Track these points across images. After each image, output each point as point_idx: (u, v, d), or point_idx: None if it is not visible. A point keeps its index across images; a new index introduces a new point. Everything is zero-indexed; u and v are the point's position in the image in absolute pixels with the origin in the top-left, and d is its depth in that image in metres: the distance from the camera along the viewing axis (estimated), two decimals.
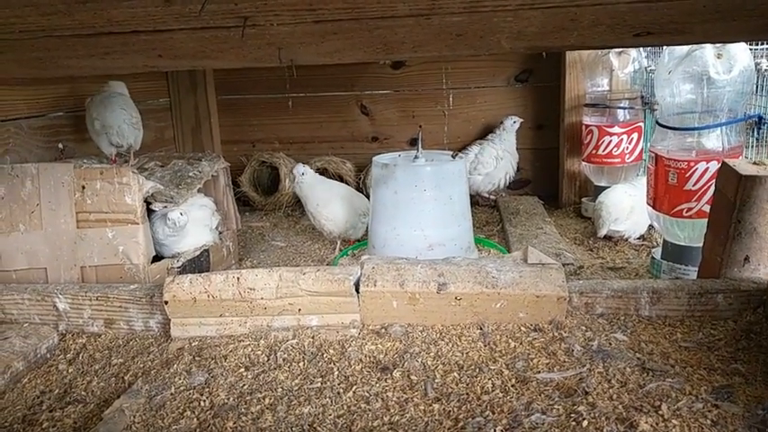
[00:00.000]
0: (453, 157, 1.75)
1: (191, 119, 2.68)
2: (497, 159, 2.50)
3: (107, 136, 1.74)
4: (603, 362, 1.08)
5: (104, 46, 1.04)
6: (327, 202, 2.00)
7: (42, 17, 0.90)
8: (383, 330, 1.26)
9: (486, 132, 2.72)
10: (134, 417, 1.04)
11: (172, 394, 1.10)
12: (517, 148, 2.60)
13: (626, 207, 1.98)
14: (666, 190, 1.53)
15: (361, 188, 2.65)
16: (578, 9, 0.90)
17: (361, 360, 1.17)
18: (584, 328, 1.22)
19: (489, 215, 2.46)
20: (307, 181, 2.03)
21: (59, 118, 1.90)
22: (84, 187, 1.48)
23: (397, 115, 2.87)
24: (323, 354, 1.20)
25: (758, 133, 1.50)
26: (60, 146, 1.87)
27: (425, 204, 1.63)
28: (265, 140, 2.94)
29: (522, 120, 2.58)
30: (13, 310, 1.42)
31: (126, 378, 1.21)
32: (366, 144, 2.90)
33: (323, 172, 2.74)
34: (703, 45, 1.48)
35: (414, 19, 0.93)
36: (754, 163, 1.29)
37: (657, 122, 1.60)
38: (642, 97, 2.28)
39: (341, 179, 2.71)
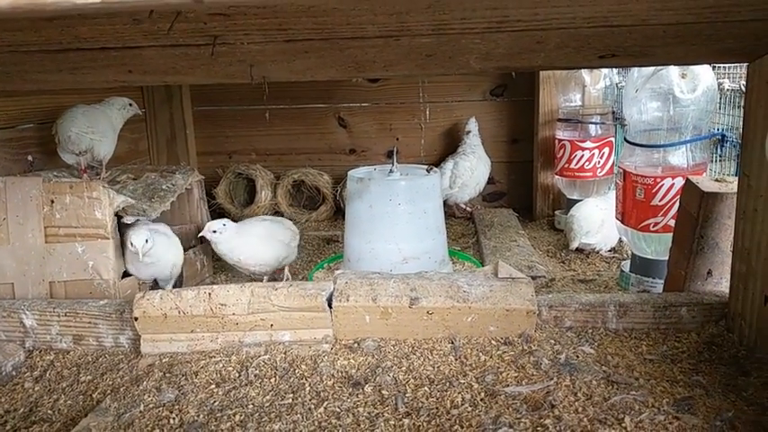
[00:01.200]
0: (428, 171, 1.76)
1: (166, 130, 2.67)
2: (472, 170, 2.52)
3: (62, 144, 1.73)
4: (570, 375, 1.09)
5: (72, 61, 1.04)
6: (246, 249, 1.76)
7: (8, 33, 0.90)
8: (356, 345, 1.26)
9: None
10: None
11: (141, 412, 1.09)
12: (488, 154, 2.63)
13: (597, 220, 2.02)
14: (634, 205, 1.57)
15: (339, 200, 2.66)
16: (544, 33, 0.93)
17: (333, 375, 1.17)
18: (552, 341, 1.24)
19: (465, 227, 2.49)
20: (224, 239, 1.72)
21: (28, 130, 1.87)
22: (53, 201, 1.46)
23: (374, 128, 2.89)
24: (295, 369, 1.20)
25: (721, 150, 1.55)
26: (30, 158, 1.85)
27: (400, 218, 1.64)
28: (242, 152, 2.93)
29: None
30: None
31: (94, 396, 1.20)
32: (344, 156, 2.91)
33: (300, 184, 2.75)
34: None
35: (383, 40, 0.95)
36: (716, 180, 1.33)
37: (625, 139, 1.64)
38: (613, 113, 2.33)
39: (318, 191, 2.71)
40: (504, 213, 2.54)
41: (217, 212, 2.66)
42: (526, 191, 2.75)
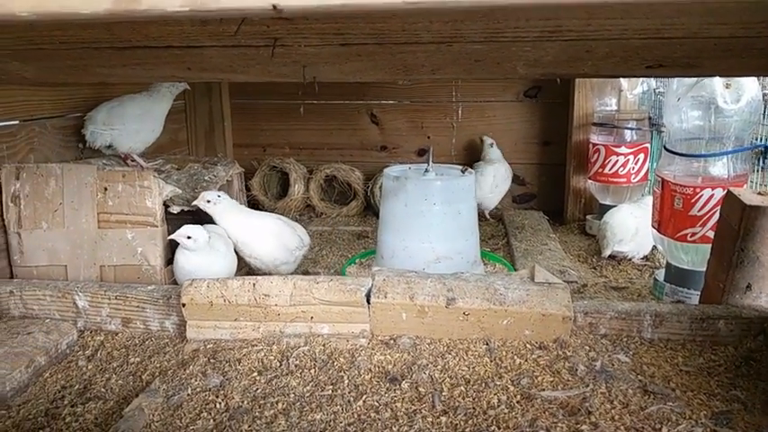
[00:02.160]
0: (463, 171, 1.79)
1: (204, 122, 2.73)
2: (494, 183, 2.55)
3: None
4: (606, 382, 1.11)
5: (138, 57, 1.09)
6: (243, 233, 1.67)
7: (83, 31, 0.94)
8: (392, 341, 1.30)
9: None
10: (153, 415, 1.08)
11: (188, 395, 1.14)
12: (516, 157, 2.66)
13: (630, 228, 2.02)
14: (672, 214, 1.57)
15: (369, 196, 2.69)
16: (593, 42, 0.94)
17: (370, 370, 1.21)
18: (587, 347, 1.26)
19: (495, 228, 2.50)
20: (218, 211, 1.62)
21: (78, 118, 1.94)
22: (106, 189, 1.52)
23: (406, 125, 2.91)
24: (333, 362, 1.24)
25: (763, 162, 1.54)
26: (80, 146, 1.92)
27: (434, 218, 1.67)
28: (276, 145, 2.99)
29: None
30: (34, 306, 1.46)
31: (143, 377, 1.25)
32: (375, 153, 2.95)
33: (332, 179, 2.79)
34: None
35: (435, 45, 0.97)
36: (759, 193, 1.33)
37: (665, 147, 1.64)
38: (650, 119, 2.32)
39: (349, 186, 2.75)
40: (535, 216, 2.55)
41: (250, 204, 2.71)
42: (557, 194, 2.75)
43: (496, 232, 2.44)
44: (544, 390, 1.10)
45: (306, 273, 1.96)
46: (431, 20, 0.84)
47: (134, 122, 1.82)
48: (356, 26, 0.88)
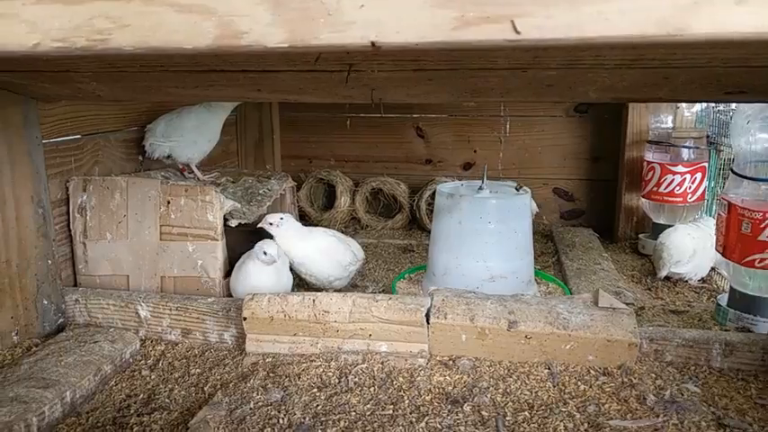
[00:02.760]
0: (517, 189, 1.77)
1: (254, 134, 2.78)
2: None
3: None
4: (677, 413, 1.08)
5: (212, 80, 1.12)
6: (300, 253, 1.70)
7: (166, 57, 0.98)
8: (451, 362, 1.29)
9: (543, 161, 2.75)
10: (217, 428, 1.09)
11: (251, 409, 1.16)
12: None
13: (688, 249, 1.96)
14: (738, 239, 1.52)
15: (415, 210, 2.69)
16: (675, 70, 0.93)
17: (430, 390, 1.21)
18: (653, 375, 1.23)
19: (544, 246, 2.47)
20: (280, 233, 1.67)
21: (137, 131, 2.00)
22: (169, 202, 1.56)
23: (452, 139, 2.90)
24: (392, 381, 1.24)
25: None
26: (140, 158, 1.97)
27: (490, 236, 1.66)
28: (322, 157, 3.02)
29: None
30: (98, 314, 1.51)
31: (205, 389, 1.28)
32: (420, 166, 2.95)
33: (377, 192, 2.80)
34: None
35: (510, 71, 0.97)
36: None
37: (732, 170, 1.60)
38: (708, 137, 2.26)
39: (395, 200, 2.76)
40: (585, 233, 2.51)
41: (298, 215, 2.74)
42: (606, 211, 2.70)
43: (546, 249, 2.41)
44: (612, 418, 1.08)
45: (354, 286, 1.97)
46: (514, 48, 0.84)
47: (191, 134, 1.86)
48: (434, 54, 0.89)
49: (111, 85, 1.24)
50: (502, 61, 0.92)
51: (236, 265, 1.56)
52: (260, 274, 1.49)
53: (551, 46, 0.58)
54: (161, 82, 1.16)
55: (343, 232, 2.71)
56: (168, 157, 1.90)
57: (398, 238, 2.61)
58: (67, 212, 1.64)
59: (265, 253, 1.46)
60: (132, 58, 0.77)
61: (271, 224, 1.65)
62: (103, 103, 1.74)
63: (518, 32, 0.58)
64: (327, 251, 1.74)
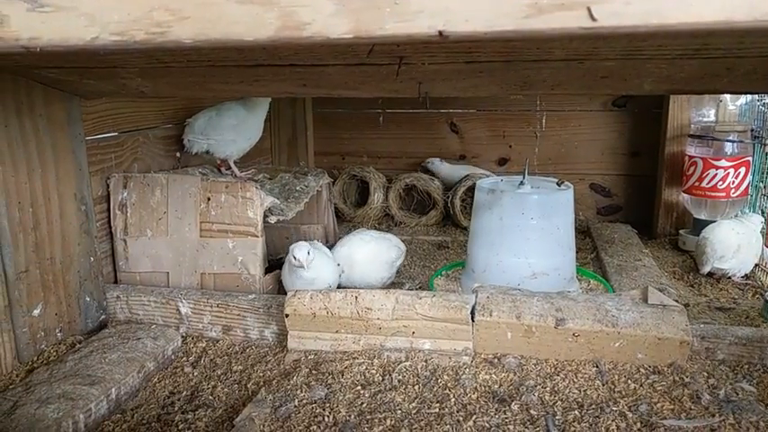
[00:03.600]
0: (559, 185, 1.74)
1: (288, 131, 2.78)
2: None
3: None
4: (734, 413, 1.05)
5: (258, 75, 1.11)
6: (352, 273, 1.67)
7: (215, 51, 0.97)
8: (496, 360, 1.27)
9: (580, 156, 2.70)
10: (263, 426, 1.09)
11: (296, 406, 1.15)
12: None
13: (732, 245, 1.91)
14: None
15: (449, 206, 2.67)
16: (738, 60, 0.89)
17: (476, 389, 1.19)
18: (705, 374, 1.19)
19: (581, 242, 2.42)
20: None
21: (175, 128, 2.01)
22: (209, 199, 1.57)
23: (486, 134, 2.87)
24: (437, 379, 1.23)
25: None
26: (177, 154, 1.99)
27: (531, 233, 1.63)
28: (354, 153, 3.01)
29: None
30: (139, 311, 1.52)
31: (248, 386, 1.27)
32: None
33: (411, 188, 2.78)
34: None
35: (565, 63, 0.94)
36: None
37: None
38: (752, 130, 2.19)
39: (429, 196, 2.74)
40: (623, 229, 2.45)
41: (334, 212, 2.73)
42: (645, 206, 2.64)
43: (584, 245, 2.36)
44: (665, 418, 1.05)
45: (391, 284, 1.96)
46: (571, 38, 0.82)
47: (230, 133, 1.86)
48: (489, 45, 0.87)
49: (155, 81, 1.24)
50: (558, 52, 0.90)
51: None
52: (302, 273, 1.44)
53: (629, 33, 0.55)
54: (206, 77, 1.15)
55: (376, 229, 2.72)
56: (207, 152, 1.91)
57: (433, 235, 2.58)
58: (108, 209, 1.66)
59: (295, 257, 1.39)
60: (191, 51, 0.76)
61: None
62: (144, 99, 1.75)
63: (594, 19, 0.55)
64: (368, 258, 1.70)
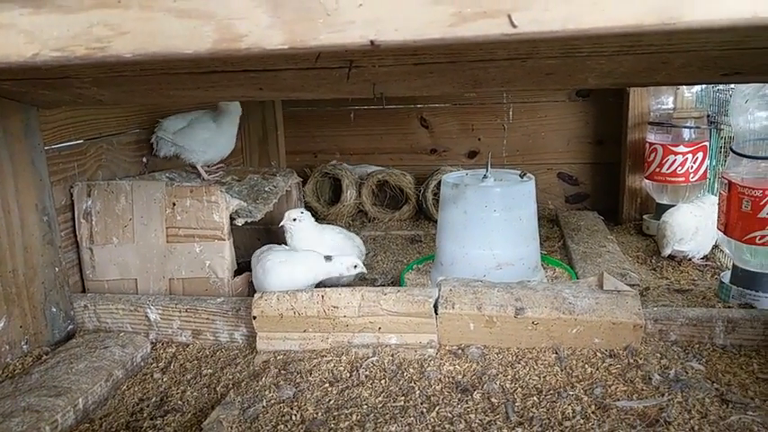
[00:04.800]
0: (521, 176, 1.77)
1: (258, 131, 2.78)
2: None
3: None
4: (682, 392, 1.10)
5: (212, 81, 1.12)
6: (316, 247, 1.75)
7: (167, 61, 0.98)
8: (460, 351, 1.30)
9: (547, 146, 2.76)
10: (231, 428, 1.11)
11: (264, 407, 1.17)
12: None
13: (691, 227, 1.97)
14: (739, 217, 1.53)
15: (421, 201, 2.70)
16: (671, 54, 0.93)
17: (440, 380, 1.22)
18: (659, 355, 1.24)
19: (549, 230, 2.47)
20: (303, 227, 1.77)
21: (140, 133, 2.01)
22: (174, 204, 1.57)
23: (456, 128, 2.91)
24: (403, 372, 1.26)
25: None
26: (144, 160, 1.99)
27: (495, 224, 1.67)
28: (327, 151, 3.03)
29: None
30: (107, 319, 1.52)
31: (217, 389, 1.29)
32: (425, 156, 2.95)
33: (383, 184, 2.81)
34: None
35: (509, 62, 0.97)
36: None
37: (731, 149, 1.60)
38: (708, 116, 2.26)
39: (401, 191, 2.76)
40: (590, 216, 2.51)
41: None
42: (610, 193, 2.71)
43: (552, 234, 2.42)
44: (619, 399, 1.09)
45: (363, 279, 1.98)
46: (511, 39, 0.85)
47: (200, 145, 1.89)
48: (434, 48, 0.89)
49: (111, 90, 1.24)
50: (501, 52, 0.93)
51: (256, 261, 1.57)
52: (281, 273, 1.52)
53: (548, 38, 0.58)
54: (162, 85, 1.16)
55: (350, 226, 2.74)
56: (176, 156, 1.92)
57: (406, 230, 2.61)
58: (73, 218, 1.65)
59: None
60: (132, 64, 0.78)
61: (294, 220, 1.73)
62: (105, 107, 1.74)
63: (515, 26, 0.58)
64: (337, 248, 1.76)
